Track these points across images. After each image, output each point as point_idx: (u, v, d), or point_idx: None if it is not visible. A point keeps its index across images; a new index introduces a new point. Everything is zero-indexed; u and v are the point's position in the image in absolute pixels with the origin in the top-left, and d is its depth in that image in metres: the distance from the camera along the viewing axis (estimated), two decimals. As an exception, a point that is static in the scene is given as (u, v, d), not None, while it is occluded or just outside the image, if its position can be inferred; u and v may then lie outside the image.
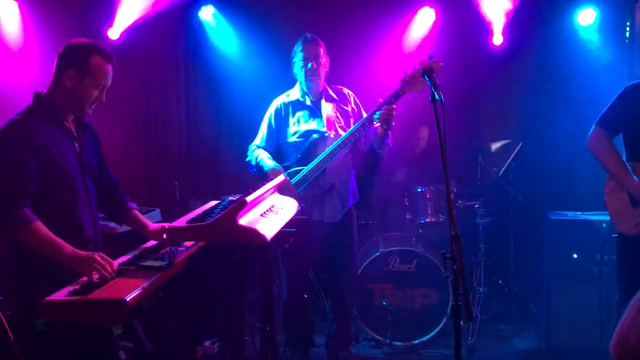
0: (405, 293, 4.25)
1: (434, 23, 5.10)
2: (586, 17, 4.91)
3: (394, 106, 3.46)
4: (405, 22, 5.16)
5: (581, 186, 4.54)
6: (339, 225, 3.74)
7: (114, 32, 4.72)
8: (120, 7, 4.74)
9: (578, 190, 4.64)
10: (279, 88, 4.89)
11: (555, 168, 4.91)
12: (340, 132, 3.69)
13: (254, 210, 2.59)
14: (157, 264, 2.31)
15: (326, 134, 3.68)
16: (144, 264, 2.33)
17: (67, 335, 2.30)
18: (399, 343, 4.18)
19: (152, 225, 2.73)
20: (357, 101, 3.87)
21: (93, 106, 2.56)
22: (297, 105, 3.78)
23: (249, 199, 2.43)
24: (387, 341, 4.17)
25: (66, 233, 2.38)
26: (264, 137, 3.83)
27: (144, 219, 2.79)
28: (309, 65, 3.66)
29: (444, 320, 4.14)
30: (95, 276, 2.22)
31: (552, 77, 5.01)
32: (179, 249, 2.49)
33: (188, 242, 2.58)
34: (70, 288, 2.11)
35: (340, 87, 3.88)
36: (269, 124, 3.81)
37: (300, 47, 3.68)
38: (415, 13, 5.13)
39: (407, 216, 4.65)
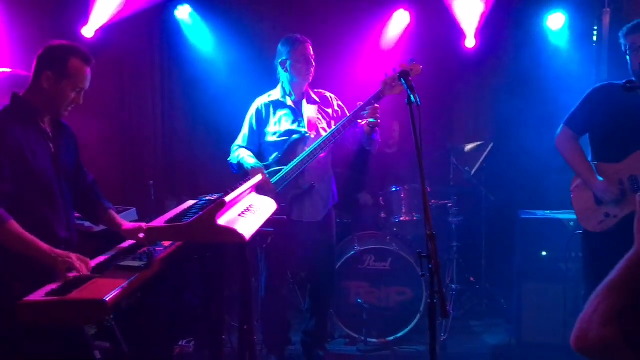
0: (380, 291, 4.31)
1: (409, 25, 5.18)
2: (556, 22, 5.06)
3: (377, 105, 3.52)
4: (382, 24, 5.23)
5: (551, 185, 4.64)
6: (319, 225, 3.78)
7: (89, 31, 4.68)
8: (95, 5, 4.70)
9: (548, 189, 4.75)
10: (254, 87, 4.89)
11: (526, 168, 5.03)
12: (322, 132, 3.73)
13: (233, 210, 2.61)
14: (136, 264, 2.32)
15: (307, 134, 3.71)
16: (122, 264, 2.34)
17: (42, 336, 2.31)
18: (374, 340, 4.24)
19: (128, 225, 2.74)
20: (341, 104, 3.90)
21: (69, 108, 2.56)
22: (278, 105, 3.80)
23: (227, 199, 2.45)
24: (363, 338, 4.22)
25: (39, 233, 2.37)
26: (246, 137, 3.84)
27: (119, 218, 2.79)
28: (312, 63, 3.68)
29: (418, 317, 4.21)
30: (70, 275, 2.22)
31: (523, 79, 5.13)
32: (157, 248, 2.50)
33: (166, 242, 2.60)
34: (47, 288, 2.11)
35: (322, 91, 3.91)
36: (250, 124, 3.82)
37: (298, 47, 3.67)
38: (390, 15, 5.20)
39: (382, 215, 4.72)
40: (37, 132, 2.50)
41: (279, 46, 3.75)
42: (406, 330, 4.23)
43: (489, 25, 5.04)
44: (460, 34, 5.08)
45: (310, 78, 3.75)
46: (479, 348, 4.34)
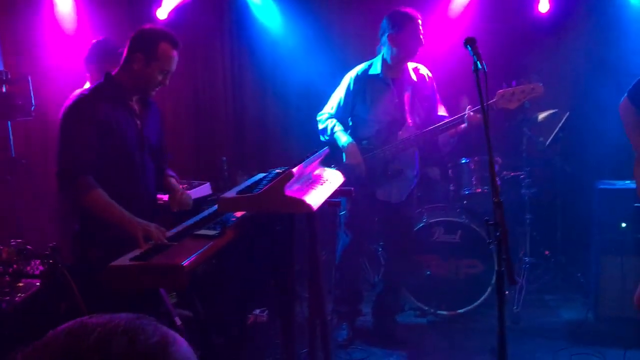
0: (450, 263, 4.29)
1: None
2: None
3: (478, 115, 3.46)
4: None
5: (630, 154, 4.42)
6: (402, 204, 3.86)
7: (162, 12, 4.86)
8: (168, -13, 4.87)
9: (627, 159, 4.53)
10: (322, 64, 4.94)
11: (604, 137, 4.80)
12: (417, 119, 3.73)
13: (300, 182, 2.68)
14: (210, 232, 2.44)
15: (404, 119, 3.71)
16: (197, 232, 2.47)
17: (126, 305, 2.48)
18: (444, 312, 4.24)
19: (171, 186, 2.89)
20: (434, 85, 3.86)
21: (157, 89, 2.72)
22: (375, 80, 3.73)
23: (295, 170, 2.52)
24: (432, 310, 4.23)
25: (120, 202, 2.53)
26: (337, 107, 3.82)
27: (172, 183, 2.92)
28: (422, 42, 3.62)
29: (489, 290, 4.16)
30: (148, 244, 2.37)
31: (600, 44, 4.88)
32: (231, 218, 2.61)
33: (238, 213, 2.72)
34: (131, 255, 2.26)
35: (419, 66, 3.84)
36: (345, 95, 3.78)
37: (411, 23, 3.57)
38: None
39: (451, 187, 4.67)
40: (125, 109, 2.68)
41: (387, 19, 3.66)
42: (477, 303, 4.20)
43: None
44: (533, -2, 4.89)
45: (415, 56, 3.69)
46: (554, 322, 4.25)
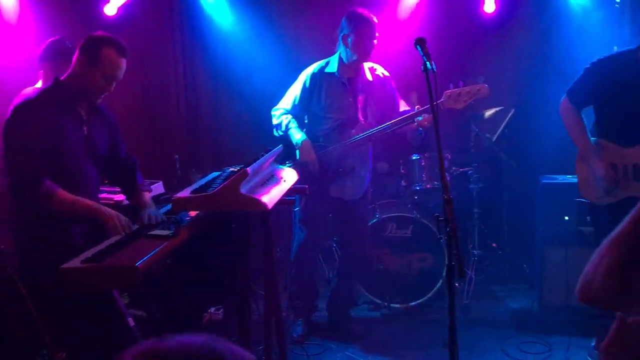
0: (402, 257, 4.39)
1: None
2: (577, -18, 4.95)
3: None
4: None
5: (572, 150, 4.62)
6: (357, 202, 3.92)
7: (111, 8, 4.76)
8: (116, -18, 4.76)
9: (569, 154, 4.74)
10: (275, 60, 4.94)
11: (548, 133, 4.99)
12: (371, 118, 3.79)
13: (255, 180, 2.70)
14: (164, 232, 2.44)
15: (357, 118, 3.76)
16: (151, 233, 2.46)
17: (76, 308, 2.45)
18: (397, 305, 4.34)
19: (142, 203, 2.88)
20: (393, 85, 3.91)
21: (101, 95, 2.70)
22: (331, 79, 3.77)
23: (249, 169, 2.54)
24: (386, 304, 4.32)
25: None
26: (292, 103, 3.85)
27: (142, 197, 2.92)
28: (374, 45, 3.64)
29: (440, 282, 4.27)
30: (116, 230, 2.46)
31: (543, 42, 5.06)
32: (185, 217, 2.61)
33: (193, 212, 2.71)
34: (82, 256, 2.23)
35: (377, 66, 3.88)
36: (300, 91, 3.81)
37: (364, 25, 3.61)
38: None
39: (403, 183, 4.76)
40: (72, 115, 2.66)
41: (345, 19, 3.69)
42: (428, 295, 4.31)
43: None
44: (478, -1, 5.03)
45: (368, 58, 3.74)
46: (501, 312, 4.41)
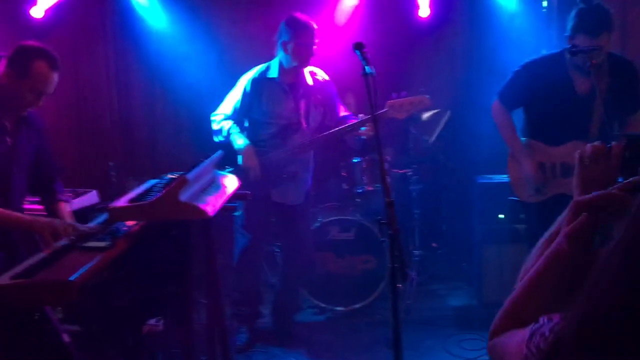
0: (345, 260, 4.40)
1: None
2: (506, -14, 5.12)
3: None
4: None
5: (506, 151, 4.78)
6: (299, 207, 3.90)
7: (38, 11, 4.55)
8: (43, -18, 4.57)
9: (504, 154, 4.89)
10: (211, 65, 4.86)
11: (482, 135, 5.12)
12: (312, 122, 3.78)
13: (195, 187, 2.63)
14: (100, 244, 2.34)
15: (299, 123, 3.73)
16: (86, 244, 2.35)
17: (7, 325, 2.32)
18: (341, 308, 4.34)
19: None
20: (334, 89, 3.91)
21: (28, 109, 2.56)
22: (272, 83, 3.74)
23: (189, 176, 2.47)
24: (330, 307, 4.32)
25: None
26: (233, 107, 3.78)
27: (63, 213, 2.79)
28: (313, 52, 3.63)
29: (383, 284, 4.31)
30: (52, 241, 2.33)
31: (476, 46, 5.21)
32: (122, 228, 2.51)
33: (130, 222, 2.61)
34: (12, 272, 2.11)
35: (318, 71, 3.88)
36: (240, 96, 3.75)
37: (303, 32, 3.58)
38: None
39: (344, 186, 4.78)
40: None
41: (283, 25, 3.65)
42: (372, 297, 4.33)
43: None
44: (414, 3, 5.11)
45: (308, 65, 3.72)
46: (442, 310, 4.49)
